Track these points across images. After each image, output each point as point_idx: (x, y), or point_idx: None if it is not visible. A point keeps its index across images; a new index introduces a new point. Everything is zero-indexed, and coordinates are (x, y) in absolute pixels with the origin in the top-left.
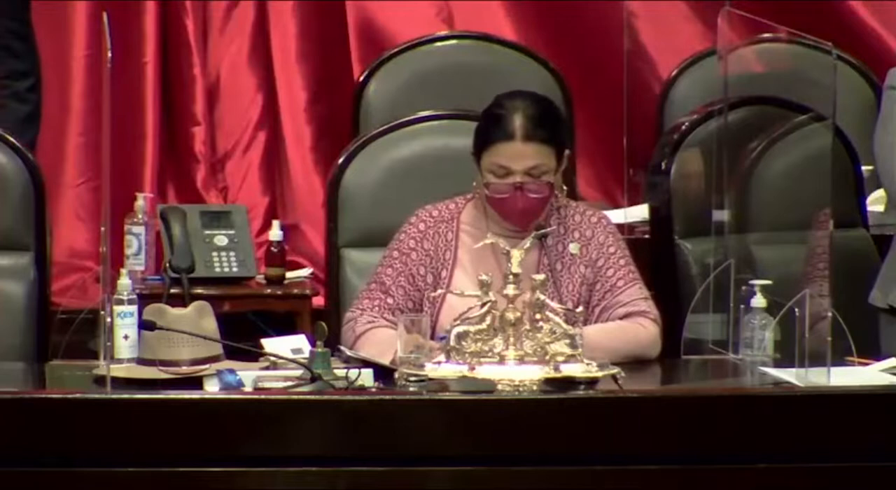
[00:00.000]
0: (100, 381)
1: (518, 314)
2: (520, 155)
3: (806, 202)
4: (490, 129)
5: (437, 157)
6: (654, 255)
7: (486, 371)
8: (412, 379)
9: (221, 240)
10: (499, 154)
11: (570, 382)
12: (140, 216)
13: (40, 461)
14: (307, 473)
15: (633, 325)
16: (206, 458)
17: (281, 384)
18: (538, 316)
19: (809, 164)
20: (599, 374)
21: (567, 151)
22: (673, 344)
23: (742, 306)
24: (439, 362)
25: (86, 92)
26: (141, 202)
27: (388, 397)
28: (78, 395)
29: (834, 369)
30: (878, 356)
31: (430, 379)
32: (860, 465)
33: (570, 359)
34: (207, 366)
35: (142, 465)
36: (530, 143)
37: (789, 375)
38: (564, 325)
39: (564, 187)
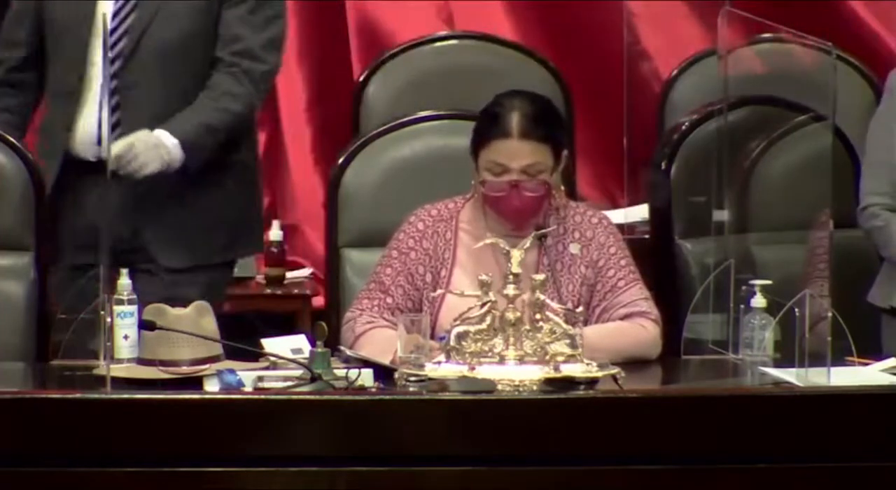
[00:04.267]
0: (100, 381)
1: (518, 314)
2: (516, 153)
3: (806, 202)
4: (487, 127)
5: (437, 157)
6: (654, 255)
7: (486, 371)
8: (412, 379)
9: None
10: (496, 151)
11: (570, 382)
12: None
13: (40, 461)
14: (307, 473)
15: (634, 325)
16: (206, 458)
17: (281, 384)
18: (538, 316)
19: (809, 164)
20: (599, 374)
21: (565, 151)
22: (673, 344)
23: (742, 306)
24: (439, 362)
25: None
26: None
27: (388, 397)
28: (78, 395)
29: (834, 369)
30: (878, 356)
31: (430, 379)
32: (860, 465)
33: (570, 359)
34: (207, 366)
35: (142, 465)
36: (527, 140)
37: (789, 375)
38: (564, 325)
39: (563, 187)
